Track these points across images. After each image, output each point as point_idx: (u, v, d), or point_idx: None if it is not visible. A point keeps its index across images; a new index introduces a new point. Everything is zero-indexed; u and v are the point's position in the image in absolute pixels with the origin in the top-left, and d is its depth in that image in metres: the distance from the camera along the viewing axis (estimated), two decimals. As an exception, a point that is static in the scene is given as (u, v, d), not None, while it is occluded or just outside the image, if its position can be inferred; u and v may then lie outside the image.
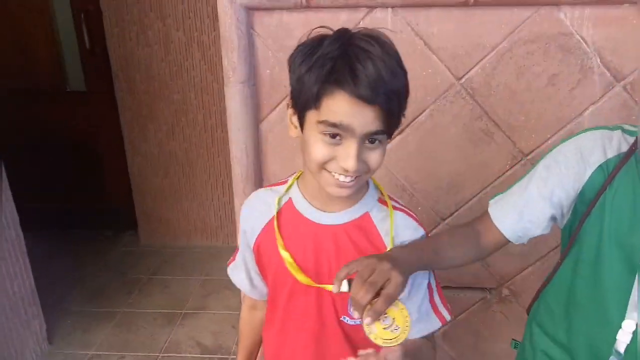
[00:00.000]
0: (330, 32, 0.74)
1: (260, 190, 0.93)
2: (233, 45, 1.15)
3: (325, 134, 0.71)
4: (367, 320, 0.64)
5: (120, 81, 2.83)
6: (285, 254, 0.83)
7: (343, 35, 0.72)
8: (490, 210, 0.90)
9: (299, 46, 0.74)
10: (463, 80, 1.27)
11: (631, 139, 0.79)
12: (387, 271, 0.67)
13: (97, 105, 3.00)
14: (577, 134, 0.84)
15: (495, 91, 1.28)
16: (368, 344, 0.72)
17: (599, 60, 1.23)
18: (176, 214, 3.08)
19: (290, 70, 0.76)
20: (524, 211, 0.85)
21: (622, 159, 0.77)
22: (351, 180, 0.74)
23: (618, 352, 0.81)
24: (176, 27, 2.72)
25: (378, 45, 0.70)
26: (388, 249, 0.82)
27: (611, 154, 0.79)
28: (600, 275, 0.81)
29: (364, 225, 0.84)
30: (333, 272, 0.78)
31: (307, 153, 0.76)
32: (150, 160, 2.97)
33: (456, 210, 1.38)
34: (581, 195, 0.81)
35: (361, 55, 0.68)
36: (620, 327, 0.80)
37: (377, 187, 0.89)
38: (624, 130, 0.81)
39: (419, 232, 0.87)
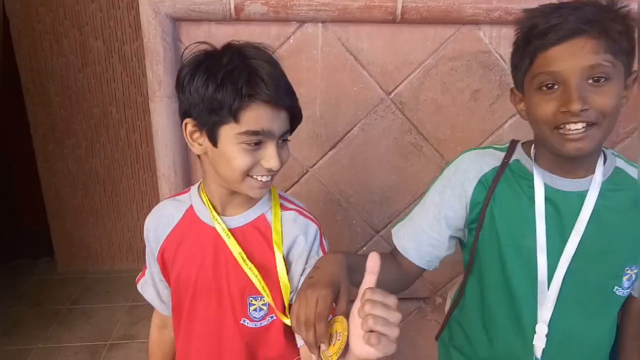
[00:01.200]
0: (209, 47, 0.79)
1: (162, 202, 0.96)
2: (159, 57, 1.11)
3: (248, 143, 0.76)
4: (322, 348, 0.65)
5: (32, 95, 2.63)
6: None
7: (237, 49, 0.77)
8: (394, 241, 0.96)
9: (188, 66, 0.78)
10: (392, 95, 1.31)
11: (502, 154, 0.90)
12: (311, 297, 0.66)
13: (7, 121, 2.77)
14: (457, 157, 0.94)
15: (423, 106, 1.33)
16: (268, 347, 0.88)
17: (515, 76, 1.33)
18: (98, 237, 2.90)
19: (184, 91, 0.78)
20: (423, 237, 0.92)
21: (499, 171, 0.88)
22: (271, 178, 0.82)
23: (537, 359, 0.86)
24: (94, 36, 2.59)
25: (265, 54, 0.78)
26: (277, 246, 0.86)
27: (487, 168, 0.89)
28: (508, 283, 0.87)
29: (260, 226, 0.88)
30: (231, 273, 0.85)
31: (226, 165, 0.79)
32: (68, 179, 2.78)
33: (389, 222, 1.42)
34: (470, 211, 0.89)
35: (263, 65, 0.75)
36: (534, 332, 0.85)
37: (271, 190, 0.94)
38: (494, 148, 0.92)
39: (311, 228, 0.90)
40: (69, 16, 2.54)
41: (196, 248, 0.88)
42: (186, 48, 0.82)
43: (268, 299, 0.85)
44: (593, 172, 0.84)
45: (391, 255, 0.96)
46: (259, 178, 0.80)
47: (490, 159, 0.90)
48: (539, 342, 0.85)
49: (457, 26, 1.26)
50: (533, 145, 0.89)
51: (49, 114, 2.66)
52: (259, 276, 0.84)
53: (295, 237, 0.88)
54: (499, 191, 0.87)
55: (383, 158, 1.38)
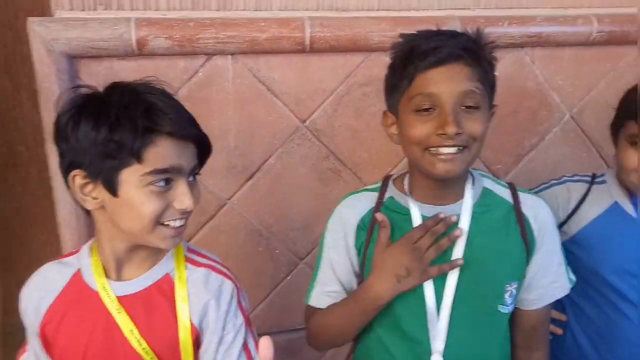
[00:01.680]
0: (88, 90, 0.73)
1: (44, 266, 0.84)
2: (54, 97, 1.05)
3: (156, 184, 0.70)
4: None
5: None
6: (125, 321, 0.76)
7: (126, 87, 0.73)
8: (316, 307, 0.95)
9: (67, 112, 0.71)
10: (307, 122, 1.33)
11: (376, 194, 0.94)
12: None
13: None
14: (339, 202, 0.98)
15: (338, 131, 1.36)
16: None
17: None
18: (8, 286, 2.67)
19: (67, 140, 0.70)
20: (339, 294, 0.94)
21: (374, 213, 0.90)
22: (185, 222, 0.75)
23: None
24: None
25: (157, 88, 0.74)
26: (180, 314, 0.77)
27: (364, 211, 0.93)
28: (399, 322, 0.89)
29: (165, 287, 0.79)
30: (127, 350, 0.75)
31: (131, 215, 0.71)
32: (-28, 226, 2.56)
33: (313, 249, 1.42)
34: (358, 255, 0.93)
35: (159, 98, 0.71)
36: None
37: None
38: (367, 190, 0.97)
39: (226, 287, 0.82)
40: (-33, 51, 2.37)
41: (84, 321, 0.76)
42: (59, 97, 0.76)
43: None
44: (463, 196, 0.89)
45: None
46: (172, 224, 0.72)
47: (366, 202, 0.94)
48: None
49: (366, 53, 1.30)
50: (406, 178, 0.93)
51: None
52: (154, 358, 0.76)
53: (208, 302, 0.78)
54: (377, 231, 0.89)
55: (302, 185, 1.38)
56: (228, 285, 0.82)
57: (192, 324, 0.78)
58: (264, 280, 1.43)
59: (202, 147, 0.77)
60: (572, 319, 1.11)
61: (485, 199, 0.91)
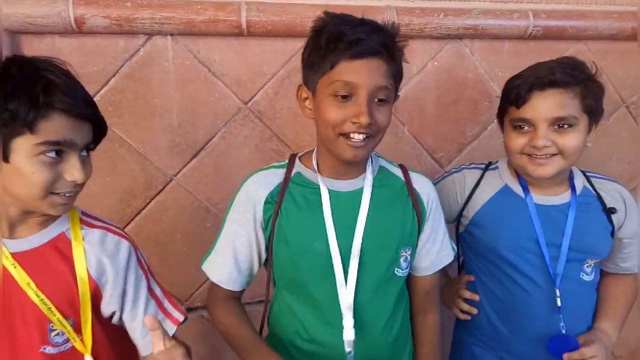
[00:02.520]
0: None
1: None
2: (-4, 70, 1.12)
3: (47, 154, 0.73)
4: None
5: None
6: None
7: (27, 61, 0.76)
8: (210, 277, 1.00)
9: None
10: (250, 104, 1.39)
11: (283, 171, 1.00)
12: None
13: None
14: (242, 182, 1.02)
15: (281, 114, 1.42)
16: None
17: (364, 86, 1.46)
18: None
19: None
20: (239, 265, 0.99)
21: (282, 187, 0.97)
22: (76, 192, 0.80)
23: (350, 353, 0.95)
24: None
25: (59, 67, 0.77)
26: (79, 268, 0.84)
27: (272, 187, 0.98)
28: (308, 290, 0.97)
29: (60, 245, 0.84)
30: (24, 303, 0.79)
31: (22, 183, 0.74)
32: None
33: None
34: (264, 229, 0.98)
35: (59, 76, 0.75)
36: (342, 327, 0.94)
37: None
38: (275, 167, 1.02)
39: (123, 245, 0.89)
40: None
41: None
42: None
43: (65, 329, 0.82)
44: (364, 171, 0.98)
45: (225, 297, 1.01)
46: (62, 193, 0.77)
47: (273, 178, 0.99)
48: (348, 335, 0.94)
49: (304, 39, 1.36)
50: (314, 155, 1.00)
51: None
52: (52, 308, 0.81)
53: (105, 259, 0.86)
54: (285, 205, 0.96)
55: (247, 165, 1.44)
56: (125, 243, 0.90)
57: (90, 279, 0.84)
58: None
59: (98, 127, 0.82)
60: (484, 298, 1.17)
61: (382, 175, 1.01)
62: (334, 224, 0.94)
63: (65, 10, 1.14)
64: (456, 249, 1.12)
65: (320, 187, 0.96)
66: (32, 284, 0.80)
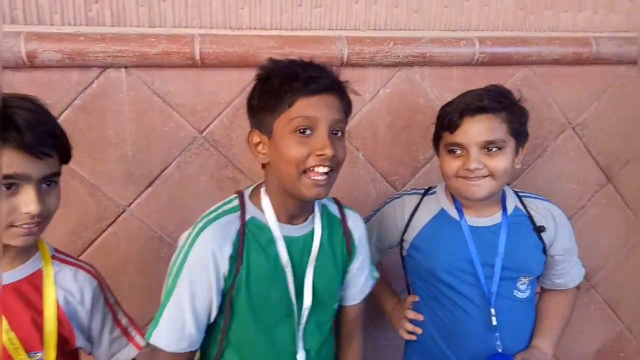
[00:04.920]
0: None
1: None
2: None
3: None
4: None
5: None
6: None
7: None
8: (167, 348, 0.93)
9: None
10: (205, 133, 1.46)
11: (236, 215, 0.97)
12: None
13: None
14: (195, 235, 0.95)
15: (236, 142, 1.50)
16: None
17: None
18: None
19: None
20: (198, 324, 0.95)
21: (240, 237, 0.95)
22: (38, 223, 0.84)
23: None
24: None
25: (27, 102, 0.83)
26: (48, 306, 0.91)
27: (232, 237, 0.94)
28: (271, 336, 1.02)
29: (36, 282, 0.91)
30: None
31: None
32: None
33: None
34: (225, 282, 0.95)
35: (19, 112, 0.80)
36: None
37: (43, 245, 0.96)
38: (226, 212, 0.98)
39: (92, 283, 0.99)
40: None
41: None
42: None
43: None
44: (313, 211, 1.04)
45: None
46: (21, 226, 0.82)
47: (230, 227, 0.95)
48: None
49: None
50: (262, 195, 1.00)
51: None
52: (19, 348, 0.86)
53: (74, 295, 0.94)
54: (246, 255, 0.95)
55: (202, 193, 1.50)
56: (94, 282, 0.99)
57: (60, 314, 0.92)
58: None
59: (65, 156, 0.89)
60: (428, 319, 1.26)
61: (326, 216, 1.08)
62: (293, 271, 1.00)
63: (16, 45, 1.20)
64: (378, 277, 1.20)
65: (274, 234, 0.97)
66: (5, 322, 0.85)
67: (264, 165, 1.00)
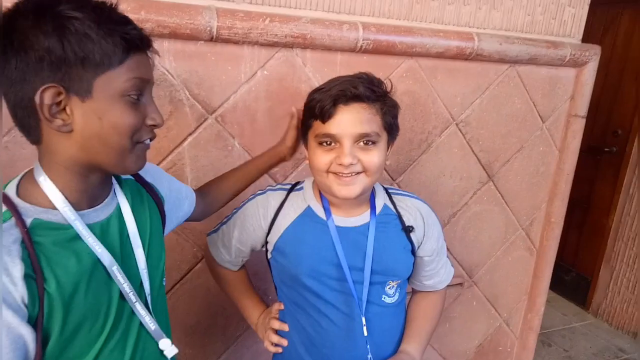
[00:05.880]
0: None
1: None
2: None
3: None
4: None
5: None
6: None
7: None
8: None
9: None
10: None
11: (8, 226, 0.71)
12: None
13: None
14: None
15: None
16: None
17: (187, 92, 1.39)
18: None
19: None
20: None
21: (29, 250, 0.70)
22: None
23: None
24: None
25: None
26: None
27: (16, 256, 0.69)
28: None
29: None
30: None
31: None
32: None
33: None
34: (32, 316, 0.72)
35: None
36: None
37: None
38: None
39: None
40: None
41: None
42: None
43: None
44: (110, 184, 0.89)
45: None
46: None
47: (8, 239, 0.69)
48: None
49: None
50: (43, 182, 0.75)
51: None
52: None
53: None
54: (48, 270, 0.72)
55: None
56: None
57: None
58: None
59: None
60: (292, 329, 1.14)
61: (128, 188, 0.95)
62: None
63: None
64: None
65: (79, 229, 0.76)
66: None
67: (36, 141, 0.74)
